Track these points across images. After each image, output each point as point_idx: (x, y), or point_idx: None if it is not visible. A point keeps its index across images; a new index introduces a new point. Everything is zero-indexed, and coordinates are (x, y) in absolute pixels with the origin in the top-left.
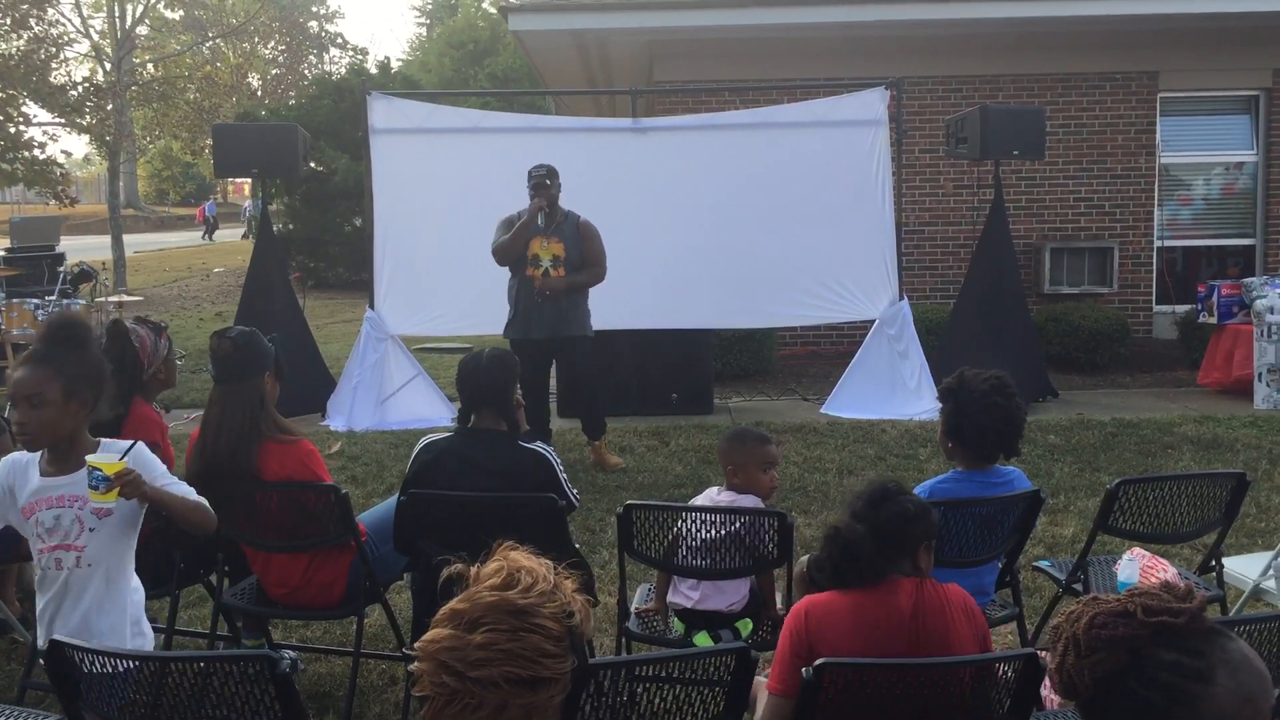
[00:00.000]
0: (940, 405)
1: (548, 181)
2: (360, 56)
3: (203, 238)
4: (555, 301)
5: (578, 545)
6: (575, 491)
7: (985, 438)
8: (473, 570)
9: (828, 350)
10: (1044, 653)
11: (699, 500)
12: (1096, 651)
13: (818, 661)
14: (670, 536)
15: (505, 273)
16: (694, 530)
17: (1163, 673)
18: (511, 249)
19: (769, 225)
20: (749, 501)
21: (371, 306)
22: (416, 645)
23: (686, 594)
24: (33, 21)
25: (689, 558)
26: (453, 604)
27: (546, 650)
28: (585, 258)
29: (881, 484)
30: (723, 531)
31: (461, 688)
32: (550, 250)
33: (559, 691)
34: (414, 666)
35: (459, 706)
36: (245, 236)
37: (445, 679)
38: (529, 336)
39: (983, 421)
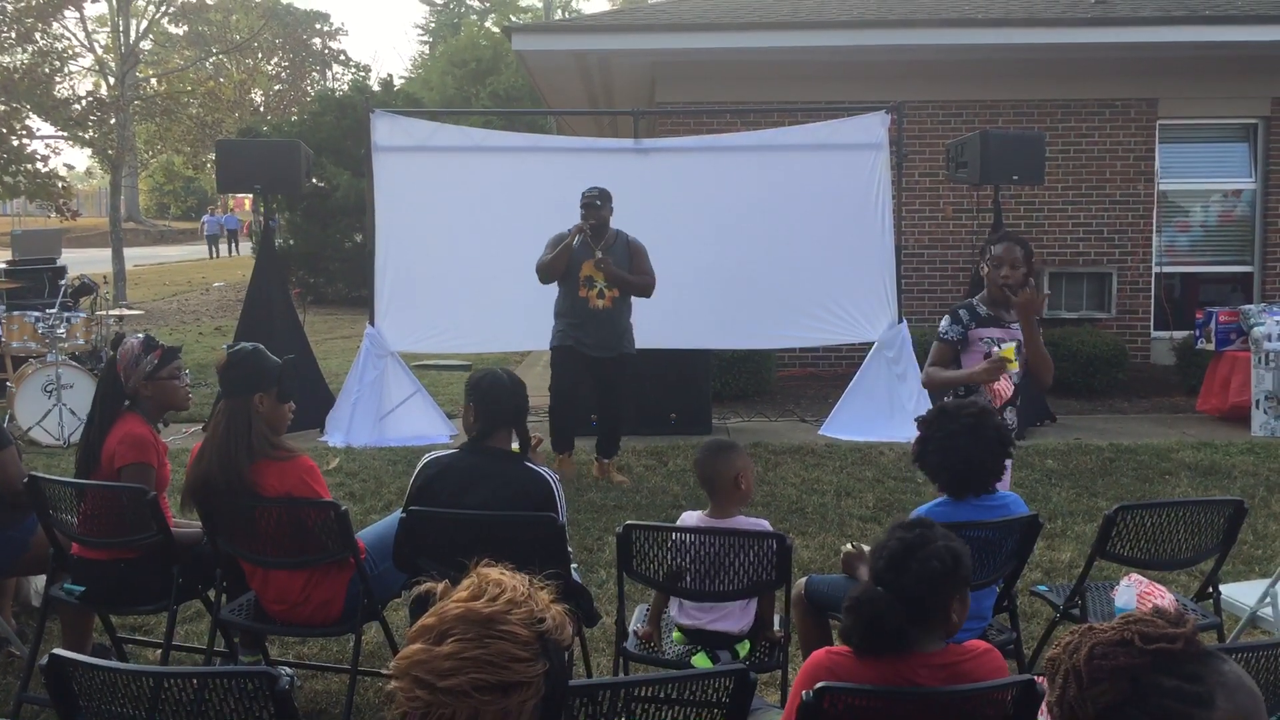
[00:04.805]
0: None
1: (598, 203)
2: (363, 74)
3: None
4: (607, 320)
5: (575, 565)
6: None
7: (928, 464)
8: (440, 587)
9: (826, 372)
10: (1041, 678)
11: (685, 522)
12: (1099, 683)
13: (818, 685)
14: (674, 561)
15: (507, 290)
16: (696, 552)
17: (1165, 700)
18: (552, 269)
19: (769, 247)
20: (748, 524)
21: (372, 323)
22: (391, 663)
23: (694, 614)
24: (37, 35)
25: (689, 580)
26: (423, 619)
27: (515, 655)
28: (635, 271)
29: (904, 540)
30: (726, 554)
31: (434, 699)
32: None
33: (531, 695)
34: (390, 685)
35: (434, 719)
36: (234, 253)
37: (418, 692)
38: (582, 350)
39: (951, 457)
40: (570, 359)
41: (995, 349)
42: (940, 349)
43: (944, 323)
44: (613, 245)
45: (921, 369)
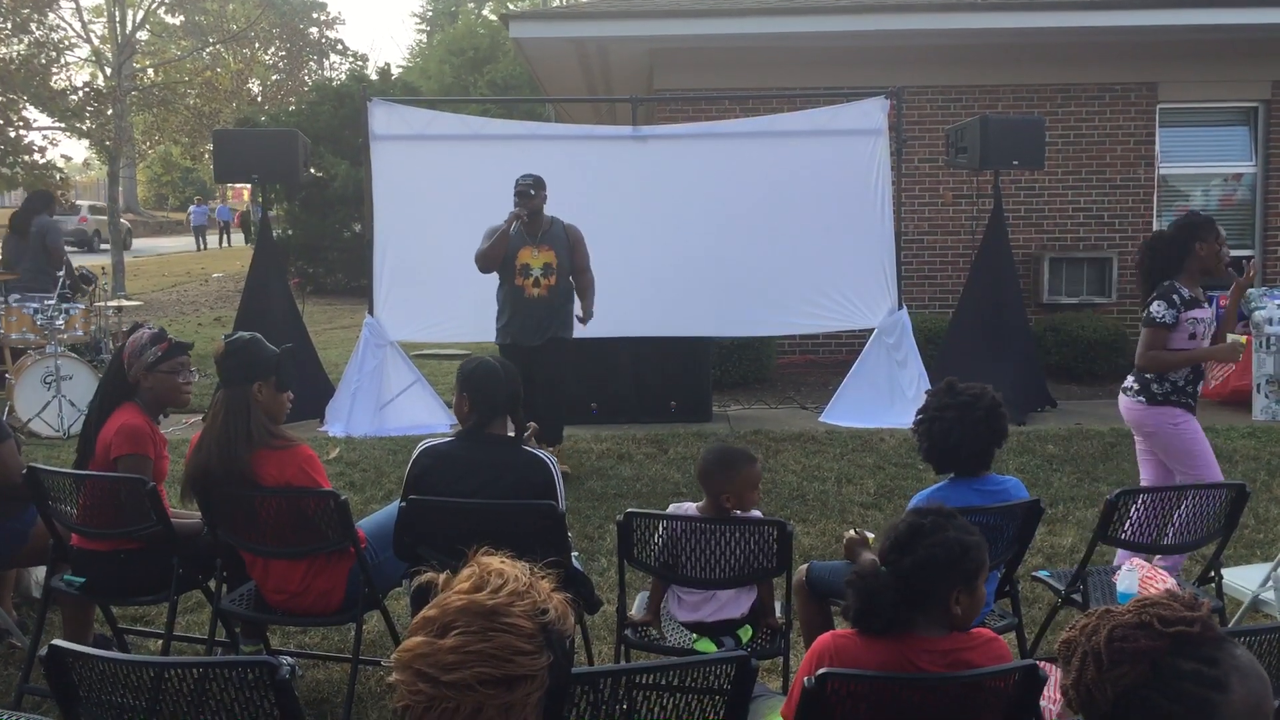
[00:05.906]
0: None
1: (532, 191)
2: (360, 63)
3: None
4: (542, 306)
5: (576, 553)
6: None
7: (918, 435)
8: (442, 577)
9: (826, 359)
10: (1044, 663)
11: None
12: (1118, 665)
13: (820, 671)
14: (670, 549)
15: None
16: (694, 540)
17: (1184, 683)
18: (490, 257)
19: (768, 233)
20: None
21: (371, 312)
22: (393, 656)
23: (695, 606)
24: (33, 26)
25: (688, 567)
26: (424, 611)
27: (519, 648)
28: (575, 264)
29: (913, 524)
30: (726, 541)
31: (437, 693)
32: (541, 259)
33: (536, 688)
34: (391, 678)
35: (437, 713)
36: (225, 244)
37: (421, 686)
38: (521, 343)
39: (934, 428)
40: (513, 356)
41: (1234, 336)
42: (1160, 333)
43: (1158, 307)
44: (549, 231)
45: (921, 356)
